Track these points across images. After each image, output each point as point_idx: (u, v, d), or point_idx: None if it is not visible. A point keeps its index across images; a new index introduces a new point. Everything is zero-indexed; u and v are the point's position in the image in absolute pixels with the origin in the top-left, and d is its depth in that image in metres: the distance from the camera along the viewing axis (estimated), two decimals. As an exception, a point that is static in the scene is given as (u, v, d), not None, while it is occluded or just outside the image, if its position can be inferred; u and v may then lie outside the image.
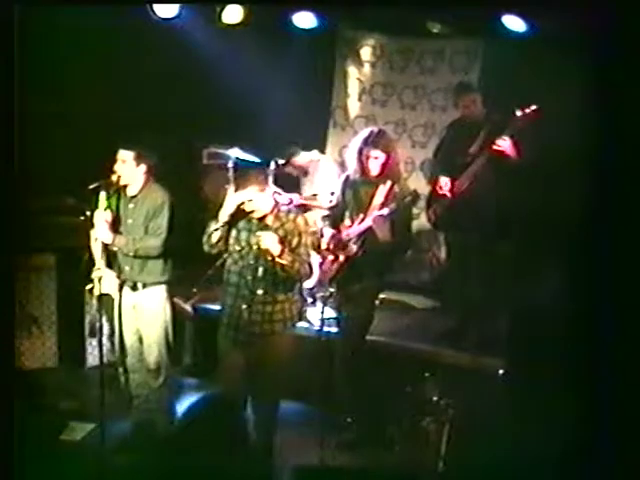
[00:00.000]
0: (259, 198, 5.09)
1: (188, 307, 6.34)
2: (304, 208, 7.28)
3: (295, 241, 5.15)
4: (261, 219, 5.15)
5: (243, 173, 7.36)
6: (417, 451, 5.32)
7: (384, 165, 5.54)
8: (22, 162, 4.13)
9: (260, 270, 5.16)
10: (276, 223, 5.16)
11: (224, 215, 5.17)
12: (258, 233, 5.08)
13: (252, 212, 5.13)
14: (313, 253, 6.79)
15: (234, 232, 5.22)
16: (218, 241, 5.17)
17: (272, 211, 5.16)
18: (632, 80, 3.71)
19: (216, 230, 5.17)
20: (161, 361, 5.61)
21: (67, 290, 6.51)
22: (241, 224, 5.22)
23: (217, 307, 5.57)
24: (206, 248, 5.26)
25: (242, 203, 5.09)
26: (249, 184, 5.08)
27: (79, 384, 6.36)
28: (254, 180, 5.10)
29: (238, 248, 5.18)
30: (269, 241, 5.03)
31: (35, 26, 5.71)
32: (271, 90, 7.68)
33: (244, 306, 5.20)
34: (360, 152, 5.57)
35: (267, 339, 5.21)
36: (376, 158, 5.53)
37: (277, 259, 5.05)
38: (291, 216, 5.22)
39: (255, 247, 5.11)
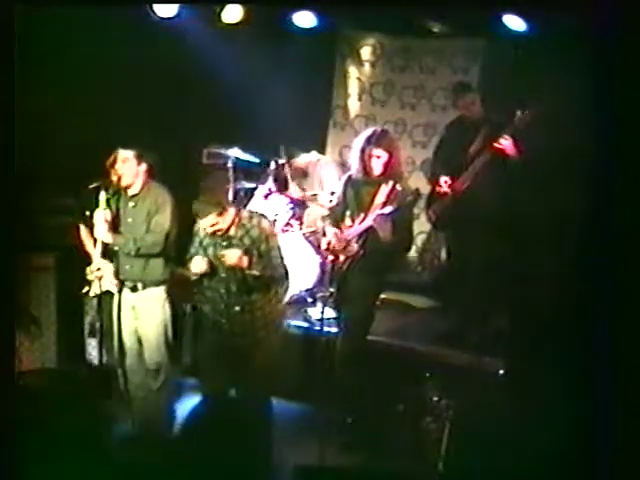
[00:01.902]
0: (220, 219, 4.99)
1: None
2: (304, 208, 7.33)
3: (263, 247, 5.08)
4: (225, 231, 5.07)
5: (243, 173, 7.49)
6: (417, 451, 5.32)
7: (386, 164, 5.53)
8: (22, 162, 4.12)
9: (233, 283, 5.11)
10: (240, 232, 5.08)
11: (194, 244, 5.18)
12: (221, 253, 5.02)
13: (216, 230, 5.05)
14: (311, 252, 6.82)
15: (201, 250, 5.18)
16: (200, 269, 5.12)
17: (233, 221, 5.07)
18: (632, 80, 3.71)
19: (193, 258, 5.14)
20: (161, 362, 5.60)
21: (67, 290, 6.50)
22: (206, 240, 5.16)
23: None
24: (192, 276, 5.22)
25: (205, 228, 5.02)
26: (208, 211, 4.95)
27: (79, 384, 6.35)
28: (213, 203, 4.96)
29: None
30: (233, 258, 4.96)
31: (35, 26, 5.72)
32: (271, 90, 7.68)
33: (223, 320, 5.18)
34: (363, 151, 5.55)
35: (252, 347, 5.21)
36: (379, 157, 5.51)
37: (247, 271, 5.00)
38: (255, 221, 5.13)
39: (224, 260, 5.05)
